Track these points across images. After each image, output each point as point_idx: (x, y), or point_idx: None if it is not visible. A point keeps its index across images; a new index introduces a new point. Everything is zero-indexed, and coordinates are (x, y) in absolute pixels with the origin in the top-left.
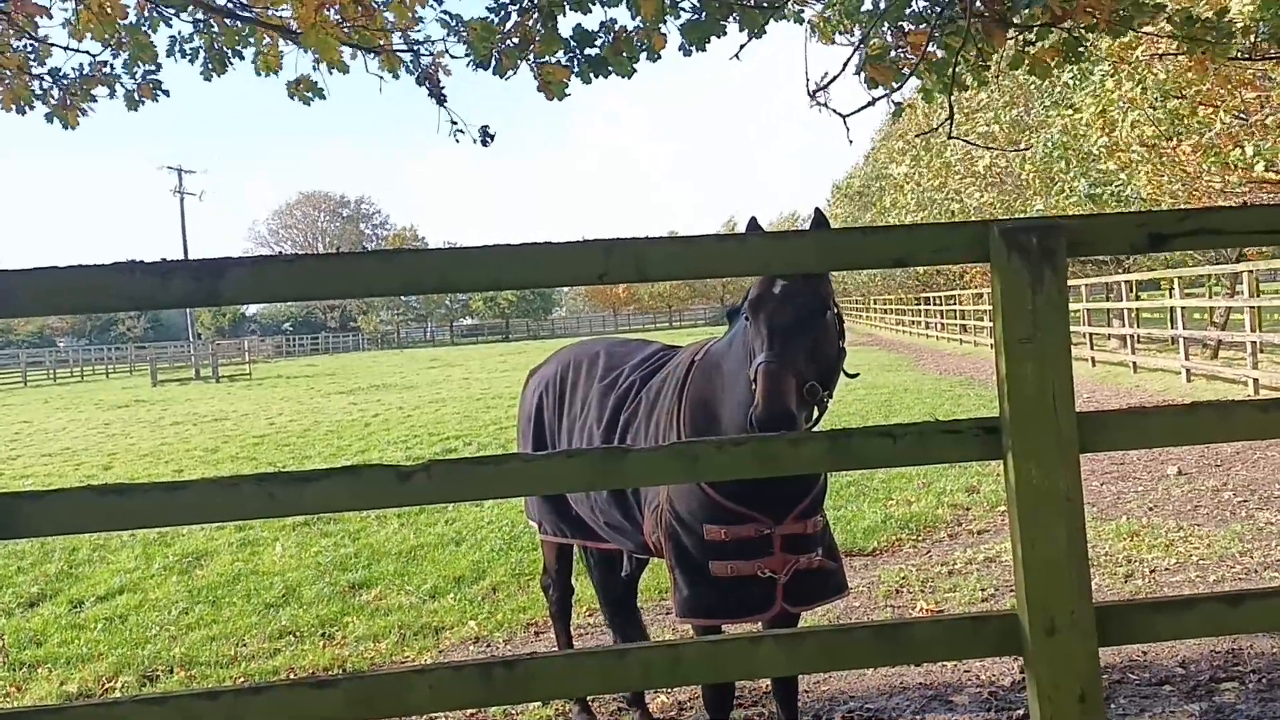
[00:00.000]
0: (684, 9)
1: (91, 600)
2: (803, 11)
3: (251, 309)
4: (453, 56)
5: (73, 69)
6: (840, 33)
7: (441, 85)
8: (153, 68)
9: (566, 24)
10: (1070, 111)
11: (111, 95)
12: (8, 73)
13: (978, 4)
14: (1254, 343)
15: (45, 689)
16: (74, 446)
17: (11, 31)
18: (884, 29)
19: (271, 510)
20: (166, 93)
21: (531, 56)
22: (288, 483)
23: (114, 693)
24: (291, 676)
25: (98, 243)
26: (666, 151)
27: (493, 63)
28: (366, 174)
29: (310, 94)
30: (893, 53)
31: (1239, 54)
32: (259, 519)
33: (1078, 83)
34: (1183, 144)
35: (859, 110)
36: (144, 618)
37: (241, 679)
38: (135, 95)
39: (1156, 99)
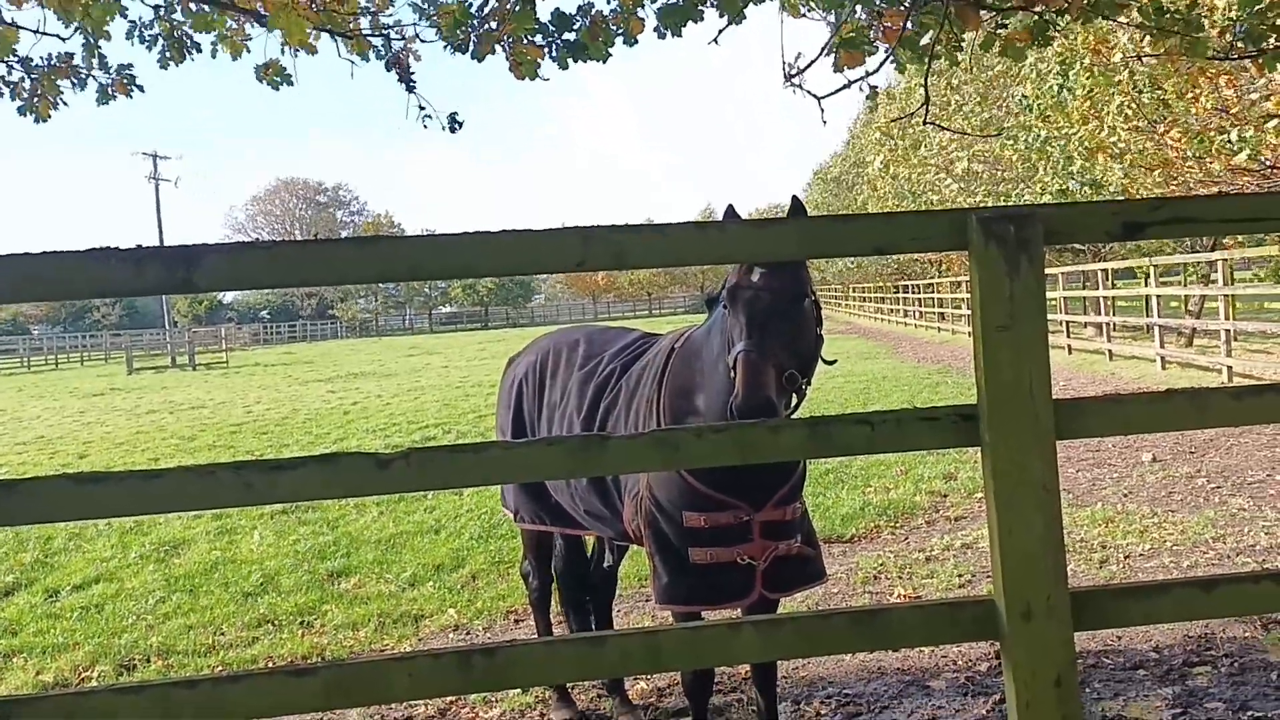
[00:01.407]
0: None
1: (67, 589)
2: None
3: (228, 296)
4: (423, 41)
5: (41, 58)
6: (811, 9)
7: (411, 71)
8: (127, 64)
9: (544, 9)
10: (1039, 121)
11: (78, 88)
12: None
13: None
14: (1228, 331)
15: (21, 679)
16: (49, 435)
17: None
18: (857, 11)
19: (249, 498)
20: (141, 88)
21: (506, 37)
22: (265, 471)
23: (91, 682)
24: (270, 665)
25: (81, 236)
26: (658, 161)
27: (470, 46)
28: (366, 169)
29: (279, 79)
30: (871, 32)
31: (1215, 54)
32: (236, 507)
33: (1062, 80)
34: (1171, 131)
35: (835, 93)
36: (121, 606)
37: (219, 668)
38: (109, 89)
39: (1142, 86)
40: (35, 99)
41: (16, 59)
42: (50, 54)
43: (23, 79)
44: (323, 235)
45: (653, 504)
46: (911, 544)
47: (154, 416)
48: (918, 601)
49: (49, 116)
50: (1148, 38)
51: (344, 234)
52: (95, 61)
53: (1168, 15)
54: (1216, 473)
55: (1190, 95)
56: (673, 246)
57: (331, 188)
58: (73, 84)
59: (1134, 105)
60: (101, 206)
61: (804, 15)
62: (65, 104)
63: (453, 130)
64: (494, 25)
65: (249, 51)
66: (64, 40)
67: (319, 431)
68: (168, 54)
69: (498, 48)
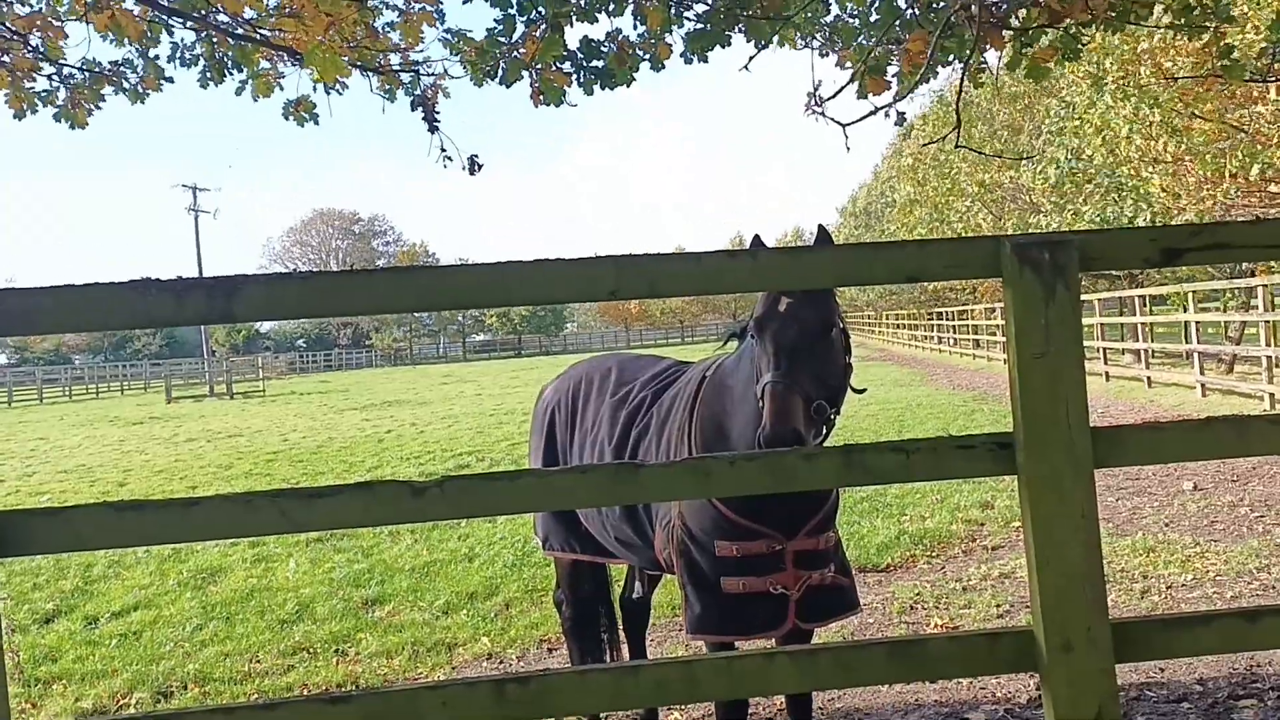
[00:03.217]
0: (688, 18)
1: (106, 616)
2: (812, 40)
3: (265, 326)
4: (452, 77)
5: (79, 70)
6: (813, 42)
7: (436, 111)
8: (154, 57)
9: (572, 35)
10: (1077, 123)
11: (117, 92)
12: (18, 73)
13: (973, 8)
14: (1269, 357)
15: (60, 705)
16: (89, 463)
17: (18, 39)
18: (876, 41)
19: (285, 526)
20: (170, 79)
21: (534, 63)
22: (301, 499)
23: (128, 709)
24: (305, 693)
25: (115, 262)
26: (679, 181)
27: (499, 73)
28: (393, 189)
29: (307, 115)
30: (893, 58)
31: (1253, 75)
32: (273, 535)
33: (1088, 100)
34: (1170, 146)
35: (860, 120)
36: (158, 634)
37: (255, 695)
38: (139, 88)
39: (1151, 106)
40: (73, 107)
41: (54, 70)
42: (88, 59)
43: (58, 88)
44: (359, 265)
45: (684, 533)
46: (948, 573)
47: (192, 445)
48: (955, 632)
49: (86, 124)
50: (1175, 48)
51: (380, 263)
52: (126, 65)
53: (1196, 11)
54: (1260, 501)
55: (1207, 120)
56: (705, 275)
57: (367, 218)
58: (116, 90)
59: (1143, 132)
60: (143, 235)
61: (804, 48)
62: (100, 107)
63: (471, 173)
64: (521, 52)
65: (281, 89)
66: (113, 67)
67: (354, 460)
68: (208, 74)
69: (525, 74)
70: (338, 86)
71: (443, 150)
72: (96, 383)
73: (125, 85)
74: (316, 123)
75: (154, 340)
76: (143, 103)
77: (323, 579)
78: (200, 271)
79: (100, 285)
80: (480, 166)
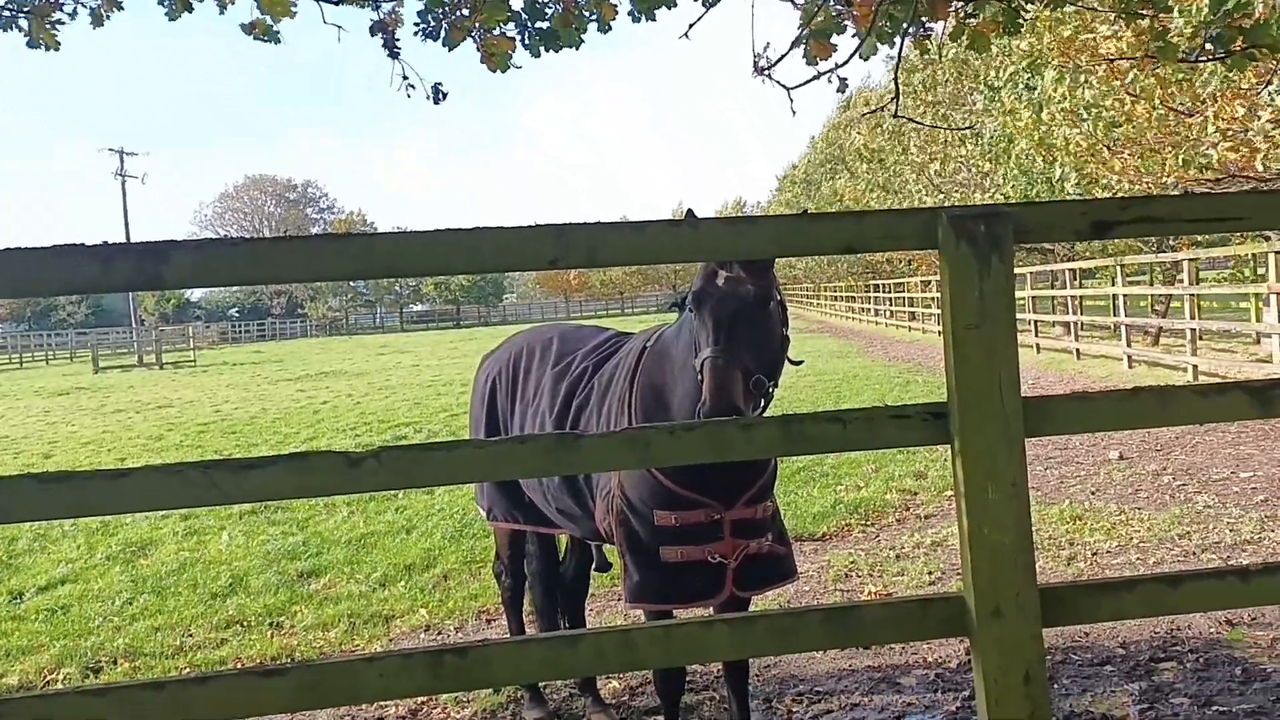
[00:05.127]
0: None
1: (32, 591)
2: None
3: (196, 294)
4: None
5: None
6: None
7: (396, 38)
8: None
9: None
10: (1006, 117)
11: (73, 16)
12: None
13: None
14: (1193, 330)
15: None
16: (13, 435)
17: None
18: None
19: (217, 498)
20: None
21: (477, 26)
22: (233, 470)
23: (56, 685)
24: (239, 666)
25: (46, 234)
26: (639, 157)
27: (441, 34)
28: (341, 167)
29: (265, 37)
30: (845, 25)
31: (1184, 55)
32: (204, 507)
33: (1021, 91)
34: (1120, 154)
35: (805, 83)
36: (87, 608)
37: (188, 669)
38: (100, 10)
39: (1086, 110)
40: (41, 35)
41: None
42: None
43: (17, 15)
44: (293, 233)
45: (624, 502)
46: (882, 542)
47: (121, 416)
48: (888, 599)
49: (57, 45)
50: (1117, 33)
51: (315, 231)
52: None
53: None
54: (1182, 470)
55: (1143, 100)
56: (646, 244)
57: (301, 185)
58: (74, 13)
59: (1082, 136)
60: (66, 204)
61: None
62: (60, 27)
63: (436, 101)
64: (466, 12)
65: (232, 4)
66: None
67: (288, 431)
68: (174, 5)
69: (469, 37)
70: (289, 14)
71: (405, 79)
72: (20, 352)
73: (75, 9)
74: (277, 42)
75: (79, 308)
76: (103, 25)
77: (257, 551)
78: (128, 237)
79: (24, 250)
80: (445, 95)
